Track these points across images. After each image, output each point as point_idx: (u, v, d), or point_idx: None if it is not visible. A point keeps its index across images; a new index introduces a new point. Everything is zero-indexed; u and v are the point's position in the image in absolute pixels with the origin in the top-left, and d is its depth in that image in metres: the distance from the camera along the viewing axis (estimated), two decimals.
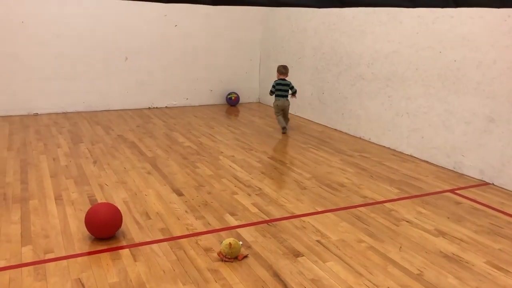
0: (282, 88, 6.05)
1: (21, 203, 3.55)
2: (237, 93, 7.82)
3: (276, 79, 6.12)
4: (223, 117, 6.91)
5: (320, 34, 6.43)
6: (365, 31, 5.59)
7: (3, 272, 2.60)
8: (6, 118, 6.40)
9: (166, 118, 6.73)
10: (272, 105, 6.39)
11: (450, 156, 4.62)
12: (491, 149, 4.22)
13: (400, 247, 3.02)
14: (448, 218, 3.50)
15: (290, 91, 6.06)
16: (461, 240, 3.15)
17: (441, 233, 3.24)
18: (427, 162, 4.86)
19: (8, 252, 2.81)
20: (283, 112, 6.07)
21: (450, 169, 4.62)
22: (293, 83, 6.18)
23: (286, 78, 6.08)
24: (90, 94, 6.98)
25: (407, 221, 3.42)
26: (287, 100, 6.05)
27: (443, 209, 3.67)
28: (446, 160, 4.67)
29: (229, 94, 7.76)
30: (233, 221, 3.34)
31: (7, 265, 2.68)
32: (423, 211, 3.62)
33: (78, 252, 2.85)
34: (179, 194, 3.83)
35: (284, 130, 5.99)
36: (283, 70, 6.06)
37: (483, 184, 4.25)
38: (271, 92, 6.10)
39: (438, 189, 4.11)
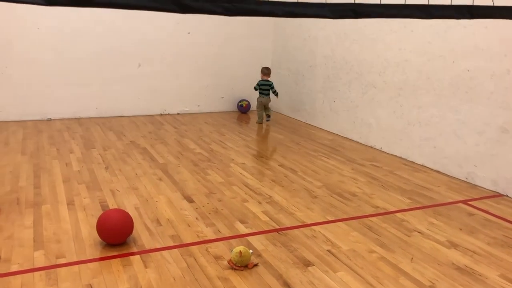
0: (265, 88, 7.02)
1: (34, 208, 3.58)
2: (248, 100, 7.84)
3: (260, 79, 7.08)
4: (234, 124, 6.93)
5: (331, 43, 6.43)
6: (376, 39, 5.59)
7: (15, 277, 2.62)
8: (20, 123, 6.48)
9: (178, 124, 6.76)
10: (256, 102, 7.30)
11: (463, 167, 4.58)
12: (505, 160, 4.18)
13: (412, 258, 3.00)
14: (461, 229, 3.47)
15: (271, 90, 7.04)
16: (474, 252, 3.11)
17: (453, 245, 3.20)
18: (439, 172, 4.83)
19: (20, 257, 2.84)
20: (264, 107, 7.04)
21: (463, 179, 4.58)
22: (304, 91, 6.67)
23: (269, 79, 7.06)
24: (102, 100, 7.05)
25: (418, 232, 3.39)
26: (269, 97, 7.04)
27: (455, 220, 3.64)
28: (458, 170, 4.63)
29: (240, 101, 7.78)
30: (243, 229, 3.34)
31: (20, 269, 2.70)
32: (435, 221, 3.59)
33: (90, 257, 2.86)
34: (190, 201, 3.84)
35: (263, 120, 7.08)
36: (266, 71, 7.05)
37: (496, 195, 4.20)
38: (256, 89, 7.10)
39: (450, 200, 4.08)
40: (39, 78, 6.63)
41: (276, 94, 7.11)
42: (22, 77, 6.54)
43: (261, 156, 5.23)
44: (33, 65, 6.56)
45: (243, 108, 7.76)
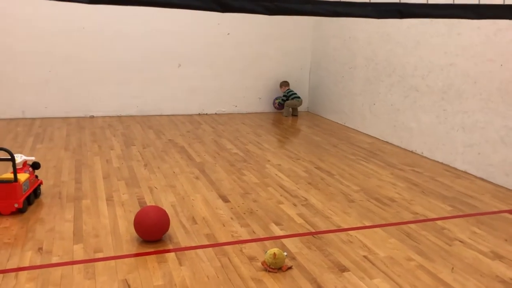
0: (294, 93, 7.64)
1: (75, 202, 3.68)
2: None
3: (284, 91, 7.65)
4: (270, 125, 6.91)
5: (373, 44, 6.31)
6: (421, 41, 5.43)
7: (56, 268, 2.70)
8: (65, 119, 6.70)
9: (215, 124, 6.81)
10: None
11: (509, 175, 4.38)
12: None
13: (453, 268, 2.88)
14: (506, 240, 3.31)
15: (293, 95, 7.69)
16: None
17: (497, 256, 3.06)
18: (483, 179, 4.64)
19: (61, 249, 2.92)
20: (294, 108, 7.70)
21: (509, 188, 4.38)
22: (343, 93, 6.95)
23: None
24: (143, 99, 7.19)
25: (460, 241, 3.26)
26: (301, 100, 7.69)
27: (500, 230, 3.48)
28: (504, 178, 4.43)
29: (277, 98, 7.74)
30: (278, 231, 3.31)
31: (60, 261, 2.78)
32: (478, 231, 3.44)
33: (126, 253, 2.91)
34: (225, 200, 3.85)
35: (290, 114, 7.68)
36: (286, 83, 7.69)
37: None
38: (284, 100, 7.65)
39: (495, 209, 3.90)
40: (83, 77, 6.84)
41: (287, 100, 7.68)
42: (67, 75, 6.76)
43: (298, 158, 5.19)
44: (78, 64, 6.77)
45: (279, 106, 7.73)
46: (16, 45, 6.47)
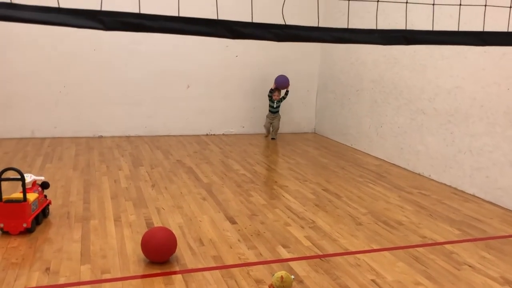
0: (279, 105, 7.46)
1: (83, 222, 3.70)
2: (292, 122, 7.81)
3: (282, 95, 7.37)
4: (277, 147, 6.94)
5: (380, 67, 6.36)
6: (427, 65, 5.47)
7: None
8: (74, 139, 6.77)
9: (223, 145, 6.84)
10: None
11: None
12: None
13: None
14: None
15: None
16: None
17: (507, 282, 3.02)
18: (491, 203, 4.60)
19: (68, 270, 2.93)
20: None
21: None
22: (351, 115, 6.94)
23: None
24: (152, 119, 7.27)
25: (469, 266, 3.23)
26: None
27: (509, 255, 3.44)
28: None
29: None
30: (285, 254, 3.30)
31: (67, 282, 2.78)
32: (487, 256, 3.41)
33: (133, 274, 2.91)
34: (233, 222, 3.85)
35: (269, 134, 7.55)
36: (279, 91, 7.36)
37: None
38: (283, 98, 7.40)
39: (504, 234, 3.87)
40: (92, 97, 6.93)
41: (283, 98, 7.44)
42: (76, 96, 6.86)
43: (305, 180, 5.19)
44: (87, 85, 6.88)
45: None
46: (26, 65, 6.59)
